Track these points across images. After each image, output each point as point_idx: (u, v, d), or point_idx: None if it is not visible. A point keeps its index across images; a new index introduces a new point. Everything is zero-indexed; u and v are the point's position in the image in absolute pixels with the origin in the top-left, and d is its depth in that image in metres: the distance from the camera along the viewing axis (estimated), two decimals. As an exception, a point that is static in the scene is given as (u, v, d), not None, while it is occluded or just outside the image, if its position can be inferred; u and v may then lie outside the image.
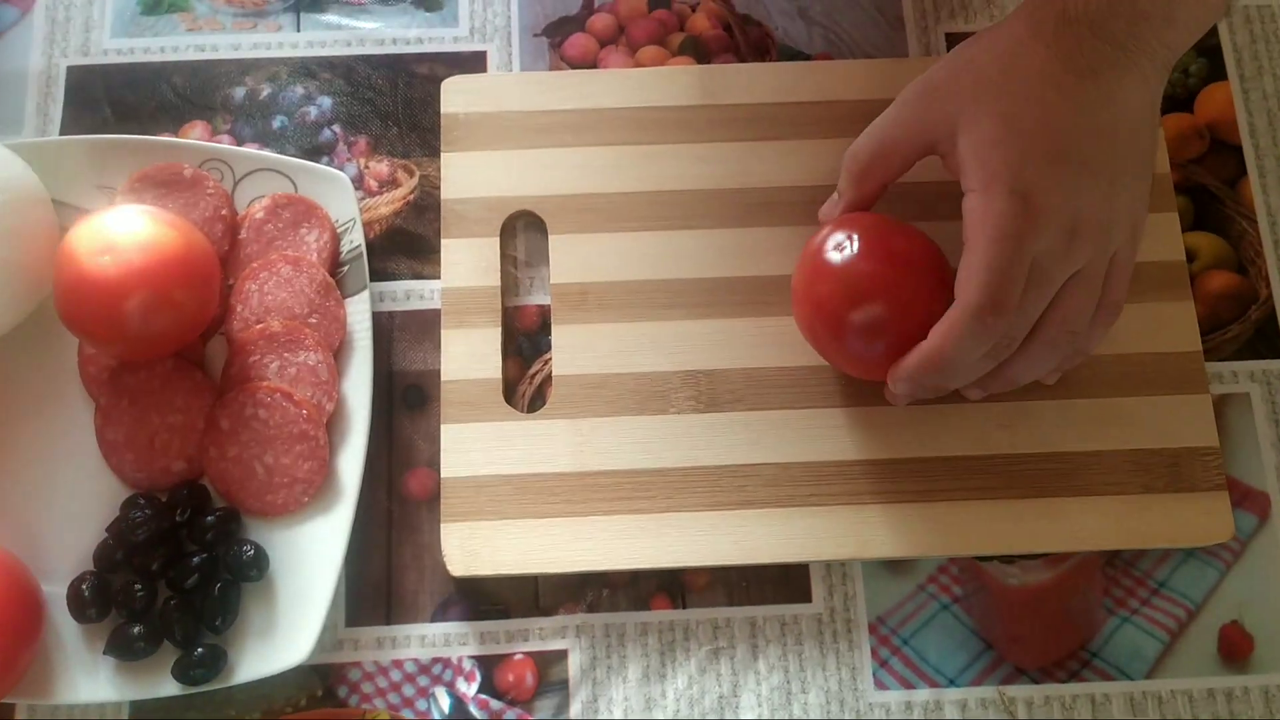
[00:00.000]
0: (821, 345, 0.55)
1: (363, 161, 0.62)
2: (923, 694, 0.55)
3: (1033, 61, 0.50)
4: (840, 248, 0.53)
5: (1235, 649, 0.56)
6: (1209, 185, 0.63)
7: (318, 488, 0.55)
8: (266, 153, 0.60)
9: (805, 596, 0.56)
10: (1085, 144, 0.49)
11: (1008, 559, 0.57)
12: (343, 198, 0.59)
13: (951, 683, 0.55)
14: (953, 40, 0.65)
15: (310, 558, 0.54)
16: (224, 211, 0.58)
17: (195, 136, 0.62)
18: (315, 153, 0.62)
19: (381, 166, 0.62)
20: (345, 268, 0.58)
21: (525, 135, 0.61)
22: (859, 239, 0.52)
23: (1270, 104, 0.64)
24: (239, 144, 0.62)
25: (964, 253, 0.49)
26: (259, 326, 0.57)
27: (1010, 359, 0.51)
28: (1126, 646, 0.56)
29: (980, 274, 0.48)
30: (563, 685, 0.55)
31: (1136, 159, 0.51)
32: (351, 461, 0.55)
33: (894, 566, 0.57)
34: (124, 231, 0.53)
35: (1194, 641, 0.56)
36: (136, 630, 0.52)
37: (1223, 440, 0.58)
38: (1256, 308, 0.61)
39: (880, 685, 0.55)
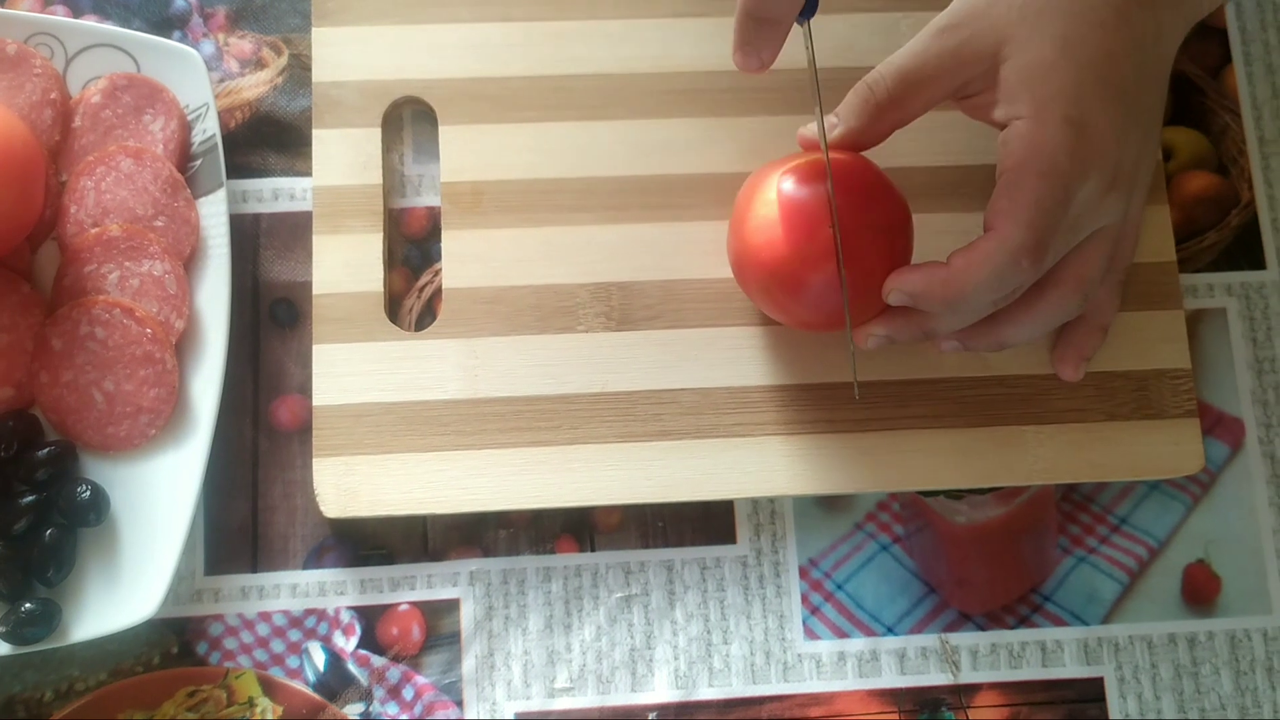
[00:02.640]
0: (766, 303, 0.48)
1: (222, 37, 0.54)
2: (857, 643, 0.50)
3: None
4: (804, 198, 0.46)
5: (1200, 590, 0.52)
6: (1189, 73, 0.56)
7: (166, 418, 0.49)
8: (104, 25, 0.52)
9: (729, 537, 0.51)
10: (1136, 81, 0.45)
11: (955, 494, 0.52)
12: (194, 79, 0.51)
13: (889, 631, 0.50)
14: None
15: (159, 498, 0.48)
16: (54, 95, 0.51)
17: (24, 6, 0.54)
18: (165, 26, 0.54)
19: (244, 43, 0.54)
20: (197, 162, 0.51)
21: (412, 8, 0.54)
22: (834, 190, 0.45)
23: (1260, -18, 0.57)
24: (75, 15, 0.54)
25: (1003, 184, 0.44)
26: (95, 231, 0.50)
27: (1011, 313, 0.47)
28: (1082, 589, 0.51)
29: (1028, 210, 0.43)
30: (454, 638, 0.50)
31: (1161, 108, 0.48)
32: (206, 388, 0.49)
33: (828, 504, 0.52)
34: (-79, 117, 0.45)
35: (1156, 583, 0.52)
36: (-45, 583, 0.46)
37: (1194, 361, 0.53)
38: (1237, 212, 0.55)
39: (811, 634, 0.50)
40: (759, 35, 0.44)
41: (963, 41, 0.45)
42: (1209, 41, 0.57)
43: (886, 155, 0.48)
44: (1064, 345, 0.51)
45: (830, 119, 0.48)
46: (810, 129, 0.48)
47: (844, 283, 0.45)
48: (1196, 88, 0.56)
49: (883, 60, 0.46)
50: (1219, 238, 0.55)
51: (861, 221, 0.46)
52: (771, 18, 0.44)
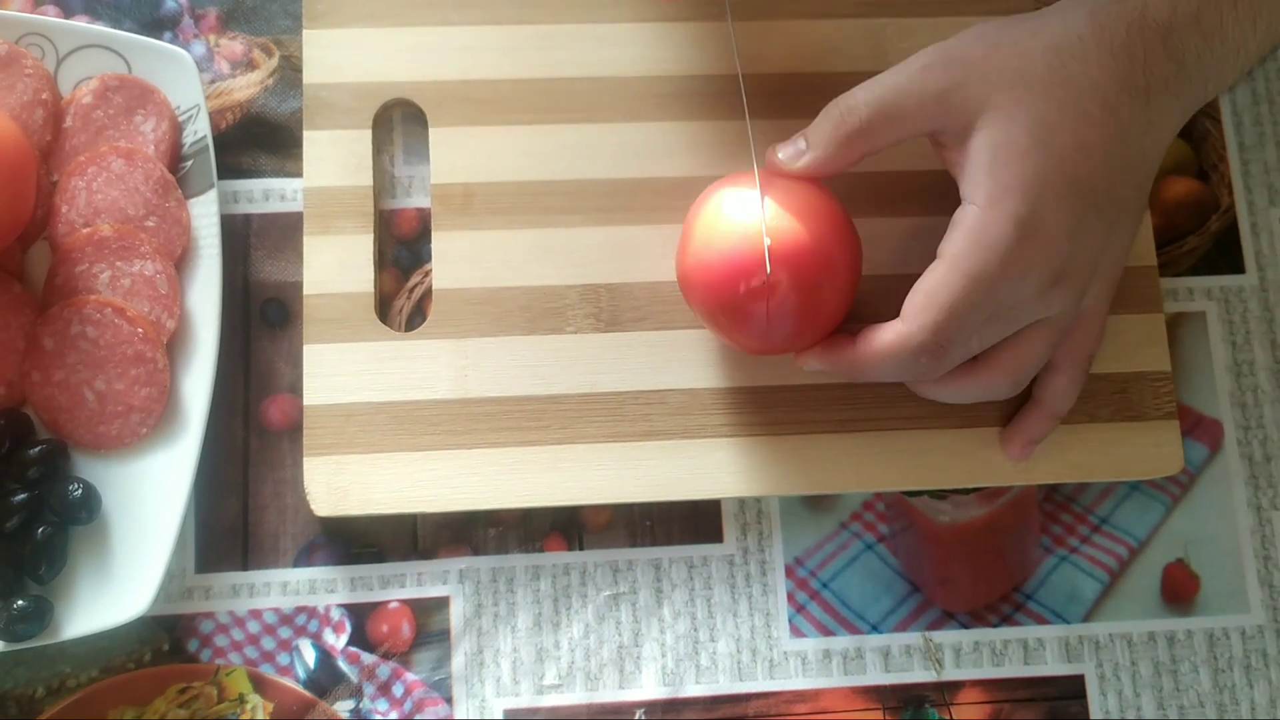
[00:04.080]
0: (712, 324, 0.48)
1: (213, 38, 0.54)
2: (842, 641, 0.51)
3: (1088, 67, 0.44)
4: (744, 220, 0.46)
5: (1179, 590, 0.52)
6: (1171, 80, 0.57)
7: (158, 417, 0.49)
8: (95, 26, 0.52)
9: (716, 536, 0.51)
10: (1106, 176, 0.44)
11: (939, 494, 0.52)
12: (185, 80, 0.51)
13: (874, 629, 0.51)
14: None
15: (150, 497, 0.48)
16: (45, 96, 0.51)
17: (14, 7, 0.54)
18: (156, 27, 0.54)
19: (235, 45, 0.54)
20: (188, 163, 0.51)
21: (403, 10, 0.54)
22: (784, 215, 0.45)
23: (1240, -11, 0.58)
24: (66, 16, 0.54)
25: (932, 269, 0.44)
26: (87, 231, 0.50)
27: (941, 381, 0.48)
28: (1063, 588, 0.52)
29: (937, 312, 0.43)
30: (443, 636, 0.50)
31: (1139, 202, 0.47)
32: (197, 387, 0.49)
33: (814, 503, 0.52)
34: (-87, 117, 0.45)
35: (1136, 582, 0.52)
36: (-53, 581, 0.47)
37: (1174, 363, 0.53)
38: (1217, 217, 0.56)
39: (796, 632, 0.51)
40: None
41: (948, 89, 0.44)
42: (1190, 48, 0.57)
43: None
44: (1015, 427, 0.50)
45: (799, 143, 0.46)
46: (782, 151, 0.47)
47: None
48: (1178, 94, 0.57)
49: (867, 71, 0.46)
50: (1199, 242, 0.56)
51: (802, 254, 0.45)
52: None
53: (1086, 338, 0.48)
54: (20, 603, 0.46)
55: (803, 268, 0.45)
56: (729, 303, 0.46)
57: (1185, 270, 0.55)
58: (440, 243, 0.52)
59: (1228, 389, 0.54)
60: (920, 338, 0.44)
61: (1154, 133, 0.45)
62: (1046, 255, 0.44)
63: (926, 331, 0.44)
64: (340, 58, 0.53)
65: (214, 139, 0.51)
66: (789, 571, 0.51)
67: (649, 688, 0.50)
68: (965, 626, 0.51)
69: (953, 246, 0.44)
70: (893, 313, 0.45)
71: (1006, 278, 0.43)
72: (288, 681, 0.49)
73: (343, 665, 0.49)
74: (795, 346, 0.48)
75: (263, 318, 0.52)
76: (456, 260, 0.52)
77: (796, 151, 0.47)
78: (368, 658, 0.50)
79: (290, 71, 0.54)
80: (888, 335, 0.45)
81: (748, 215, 0.46)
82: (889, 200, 0.52)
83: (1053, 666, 0.51)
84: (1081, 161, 0.44)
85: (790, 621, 0.51)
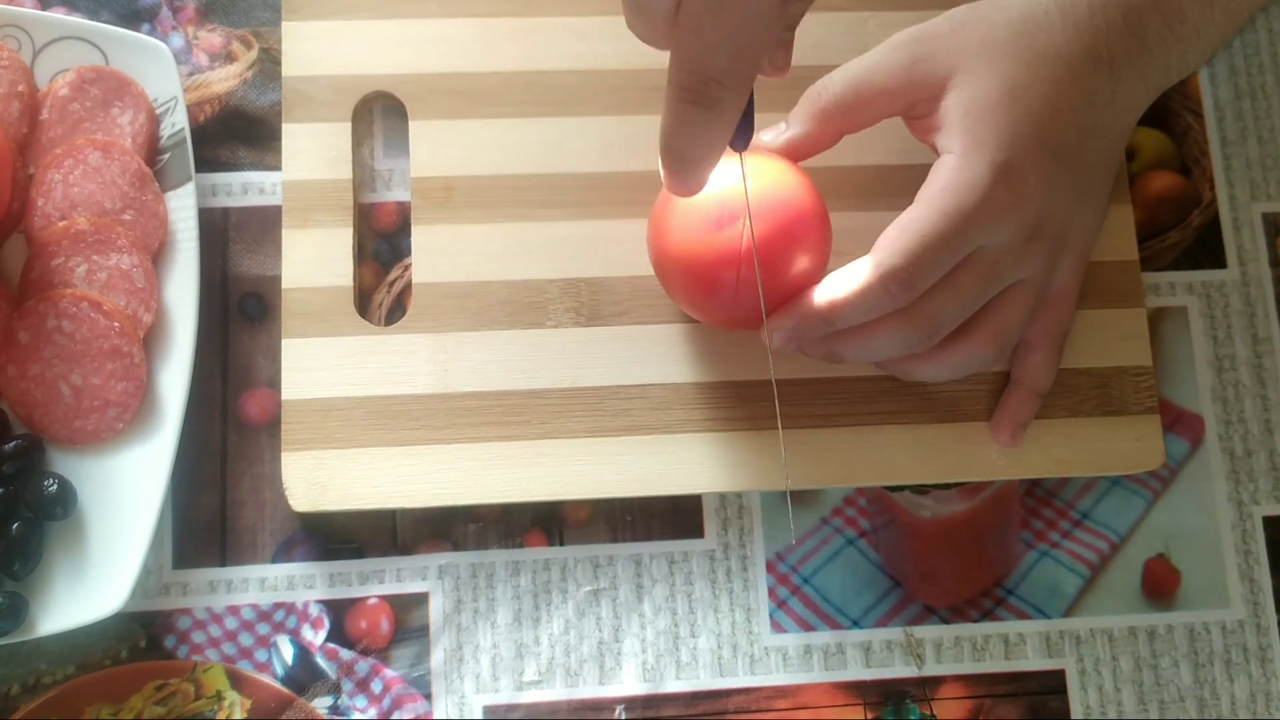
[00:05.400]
0: (681, 299, 0.48)
1: (191, 30, 0.54)
2: (823, 637, 0.51)
3: (1053, 36, 0.45)
4: (716, 186, 0.45)
5: (1160, 584, 0.52)
6: (1153, 75, 0.57)
7: (134, 412, 0.48)
8: (72, 17, 0.52)
9: (696, 531, 0.51)
10: (1077, 139, 0.46)
11: (921, 489, 0.52)
12: (163, 72, 0.51)
13: (855, 624, 0.51)
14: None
15: (127, 492, 0.48)
16: (21, 88, 0.50)
17: (-10, -2, 0.53)
18: (133, 19, 0.54)
19: (214, 36, 0.54)
20: (165, 155, 0.51)
21: (383, 2, 0.53)
22: (754, 182, 0.45)
23: (1223, -16, 0.58)
24: (43, 7, 0.53)
25: (907, 211, 0.45)
26: (63, 224, 0.49)
27: (923, 355, 0.47)
28: (1045, 582, 0.52)
29: (910, 240, 0.43)
30: (422, 632, 0.50)
31: (1108, 173, 0.48)
32: (175, 382, 0.49)
33: (795, 499, 0.52)
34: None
35: (1116, 577, 0.52)
36: (-80, 577, 0.46)
37: (1155, 358, 0.53)
38: (1198, 212, 0.56)
39: (777, 628, 0.50)
40: (682, 170, 0.41)
41: (917, 59, 0.46)
42: (1172, 43, 0.57)
43: (829, 154, 0.48)
44: (1001, 412, 0.50)
45: (781, 125, 0.48)
46: (767, 134, 0.48)
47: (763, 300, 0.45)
48: (1160, 89, 0.57)
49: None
50: (1181, 237, 0.55)
51: (772, 226, 0.45)
52: (691, 157, 0.40)
53: (1060, 313, 0.49)
54: (-5, 599, 0.46)
55: (774, 231, 0.45)
56: (700, 269, 0.46)
57: (1167, 265, 0.55)
58: (420, 236, 0.51)
59: (1209, 384, 0.54)
60: (891, 264, 0.43)
61: (1119, 105, 0.46)
62: (1021, 204, 0.44)
63: (897, 257, 0.43)
64: (320, 50, 0.52)
65: (192, 132, 0.51)
66: (770, 567, 0.51)
67: (629, 684, 0.50)
68: (946, 622, 0.51)
69: (926, 190, 0.45)
70: None
71: (981, 219, 0.44)
72: (265, 678, 0.49)
73: (321, 662, 0.49)
74: (756, 320, 0.47)
75: (241, 312, 0.52)
76: (436, 254, 0.51)
77: (778, 132, 0.48)
78: (346, 654, 0.49)
79: (269, 64, 0.54)
80: (856, 269, 0.44)
81: (719, 181, 0.45)
82: (870, 194, 0.52)
83: (1034, 661, 0.51)
84: (1052, 119, 0.45)
85: (771, 617, 0.51)
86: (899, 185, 0.52)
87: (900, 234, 0.44)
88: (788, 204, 0.46)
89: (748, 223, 0.45)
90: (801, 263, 0.46)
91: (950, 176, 0.44)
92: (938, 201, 0.44)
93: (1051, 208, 0.46)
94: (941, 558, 0.52)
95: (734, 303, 0.46)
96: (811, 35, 0.53)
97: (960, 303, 0.45)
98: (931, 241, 0.43)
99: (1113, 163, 0.49)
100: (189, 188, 0.50)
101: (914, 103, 0.46)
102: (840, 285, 0.45)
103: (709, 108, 0.38)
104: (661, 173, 0.42)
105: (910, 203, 0.45)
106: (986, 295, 0.46)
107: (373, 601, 0.50)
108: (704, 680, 0.50)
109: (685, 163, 0.41)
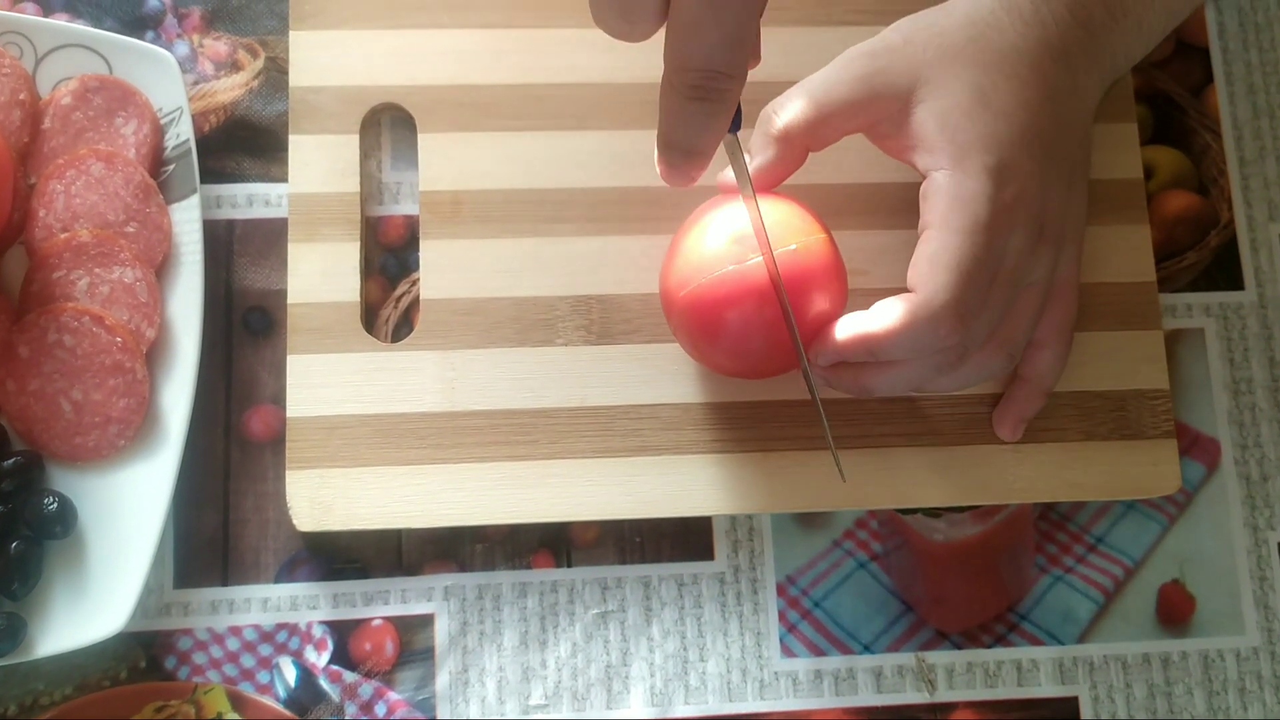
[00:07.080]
0: (692, 348, 0.48)
1: (196, 38, 0.53)
2: (834, 661, 0.50)
3: (1006, 34, 0.45)
4: (729, 241, 0.45)
5: (1175, 610, 0.52)
6: (1172, 93, 0.56)
7: (136, 429, 0.48)
8: (76, 24, 0.51)
9: (706, 554, 0.51)
10: (1054, 131, 0.45)
11: (933, 512, 0.52)
12: (167, 82, 0.50)
13: (866, 649, 0.50)
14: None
15: (128, 510, 0.47)
16: (23, 96, 0.50)
17: (-8, 3, 0.52)
18: (138, 26, 0.53)
19: (219, 45, 0.53)
20: (170, 167, 0.50)
21: (391, 12, 0.52)
22: (757, 233, 0.45)
23: (1242, 0, 0.57)
24: (45, 14, 0.53)
25: (925, 243, 0.44)
26: (65, 236, 0.49)
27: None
28: (1058, 608, 0.51)
29: (949, 272, 0.42)
30: (428, 654, 0.49)
31: (1085, 162, 0.48)
32: (178, 398, 0.48)
33: (806, 521, 0.51)
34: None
35: (1131, 602, 0.52)
36: (-83, 597, 0.45)
37: (1171, 381, 0.53)
38: (1216, 233, 0.55)
39: (788, 652, 0.50)
40: (687, 163, 0.42)
41: (872, 73, 0.45)
42: (1191, 61, 0.57)
43: (816, 173, 0.48)
44: (1005, 406, 0.50)
45: (746, 156, 0.46)
46: (728, 175, 0.47)
47: (794, 330, 0.45)
48: (1178, 107, 0.56)
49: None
50: (1198, 258, 0.55)
51: (786, 272, 0.44)
52: (698, 149, 0.41)
53: (1066, 307, 0.49)
54: (-7, 619, 0.45)
55: (793, 289, 0.44)
56: (714, 321, 0.45)
57: (1184, 286, 0.55)
58: (428, 251, 0.51)
59: (1225, 407, 0.53)
60: (942, 300, 0.42)
61: (1079, 95, 0.47)
62: (1026, 204, 0.44)
63: (946, 292, 0.42)
64: (327, 60, 0.52)
65: (197, 142, 0.50)
66: (780, 590, 0.51)
67: (637, 708, 0.49)
68: (958, 647, 0.51)
69: (935, 213, 0.44)
70: None
71: (996, 229, 0.43)
72: (268, 700, 0.48)
73: (324, 684, 0.48)
74: (772, 369, 0.47)
75: (245, 326, 0.51)
76: (445, 269, 0.50)
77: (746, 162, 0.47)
78: (350, 676, 0.48)
79: (276, 73, 0.53)
80: (907, 308, 0.43)
81: (731, 223, 0.45)
82: (867, 212, 0.51)
83: (1046, 688, 0.50)
84: (1026, 115, 0.44)
85: (781, 641, 0.50)
86: (901, 205, 0.51)
87: (934, 268, 0.43)
88: (807, 244, 0.45)
89: (760, 220, 0.44)
90: (822, 302, 0.45)
91: (952, 193, 0.43)
92: (953, 223, 0.43)
93: (1049, 201, 0.45)
94: (954, 582, 0.51)
95: (743, 353, 0.45)
96: (786, 46, 0.52)
97: (989, 319, 0.45)
98: (967, 267, 0.42)
99: (1086, 151, 0.49)
100: (194, 199, 0.49)
101: (878, 119, 0.45)
102: (887, 323, 0.43)
103: (717, 100, 0.39)
104: (659, 167, 0.42)
105: (907, 219, 0.44)
106: (1009, 305, 0.46)
107: (377, 623, 0.49)
108: (713, 705, 0.49)
109: (692, 155, 0.41)
